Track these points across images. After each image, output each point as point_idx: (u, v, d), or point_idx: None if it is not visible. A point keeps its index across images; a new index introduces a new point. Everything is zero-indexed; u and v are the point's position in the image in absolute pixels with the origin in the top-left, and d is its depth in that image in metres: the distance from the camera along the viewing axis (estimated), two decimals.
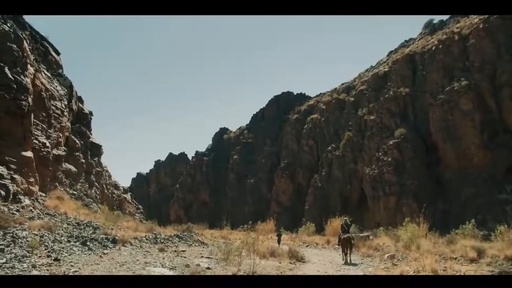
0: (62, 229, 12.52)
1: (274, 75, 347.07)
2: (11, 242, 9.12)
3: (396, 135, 37.30)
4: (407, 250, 15.46)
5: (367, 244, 18.82)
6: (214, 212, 61.87)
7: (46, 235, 10.55)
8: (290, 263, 13.11)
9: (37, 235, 10.31)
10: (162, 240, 14.70)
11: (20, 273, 7.01)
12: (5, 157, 14.21)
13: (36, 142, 16.70)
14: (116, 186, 31.79)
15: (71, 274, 7.34)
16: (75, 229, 13.14)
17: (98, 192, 25.86)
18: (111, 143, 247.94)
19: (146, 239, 14.10)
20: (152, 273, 8.21)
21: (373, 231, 24.87)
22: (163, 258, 10.72)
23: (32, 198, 15.18)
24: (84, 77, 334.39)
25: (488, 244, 14.42)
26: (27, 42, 17.97)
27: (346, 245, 14.60)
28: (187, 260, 10.93)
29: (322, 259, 15.55)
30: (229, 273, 9.25)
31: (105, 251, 10.48)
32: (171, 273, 8.59)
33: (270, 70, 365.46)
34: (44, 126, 18.21)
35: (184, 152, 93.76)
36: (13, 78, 14.98)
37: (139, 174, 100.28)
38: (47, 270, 7.45)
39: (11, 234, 9.71)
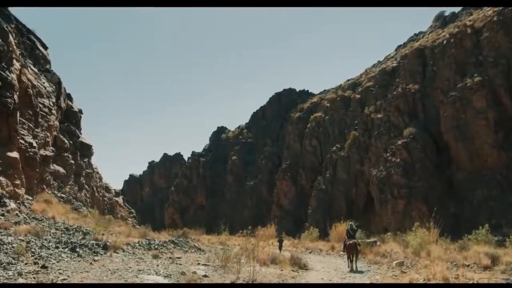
0: (50, 235, 12.53)
1: (275, 71, 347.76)
2: None
3: (405, 134, 37.31)
4: (416, 256, 15.48)
5: (374, 250, 18.83)
6: (211, 216, 61.91)
7: (33, 241, 10.55)
8: (292, 270, 13.11)
9: (23, 240, 10.31)
10: (156, 246, 14.70)
11: (5, 281, 7.00)
12: None
13: (22, 142, 16.71)
14: (107, 189, 31.82)
15: (59, 282, 7.35)
16: (63, 235, 13.14)
17: (88, 195, 25.88)
18: (102, 143, 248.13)
19: (139, 245, 14.10)
20: (146, 281, 8.22)
21: (381, 236, 24.88)
22: (157, 265, 10.73)
23: (18, 201, 15.18)
24: (74, 73, 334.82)
25: (502, 251, 14.44)
26: (12, 35, 17.97)
27: (352, 251, 14.60)
28: (182, 267, 10.94)
29: (326, 266, 15.55)
30: (228, 281, 9.26)
31: (96, 258, 10.48)
32: (165, 281, 8.60)
33: (271, 66, 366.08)
34: (31, 125, 18.22)
35: (179, 153, 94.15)
36: None
37: (131, 176, 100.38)
38: (34, 278, 7.45)
39: None
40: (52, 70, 24.64)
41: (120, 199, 33.90)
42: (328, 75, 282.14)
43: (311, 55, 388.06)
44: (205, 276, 9.66)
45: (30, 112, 18.33)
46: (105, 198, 30.08)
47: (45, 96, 20.81)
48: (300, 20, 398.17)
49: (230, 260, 11.34)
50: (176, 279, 8.99)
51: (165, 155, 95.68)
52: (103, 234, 14.39)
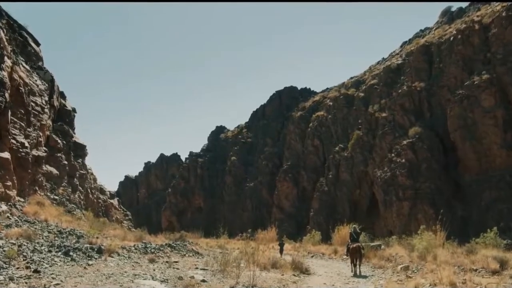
0: (43, 238, 12.54)
1: (276, 68, 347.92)
2: None
3: (410, 134, 37.32)
4: (422, 261, 15.47)
5: (379, 254, 18.83)
6: (209, 219, 61.93)
7: (24, 244, 10.55)
8: (294, 275, 13.12)
9: (14, 244, 10.32)
10: (152, 250, 14.71)
11: None
12: None
13: (14, 142, 16.72)
14: (102, 191, 31.82)
15: (52, 287, 7.34)
16: (56, 238, 13.15)
17: (82, 197, 25.87)
18: (96, 143, 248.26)
19: (135, 249, 14.11)
20: (142, 286, 8.22)
21: (385, 239, 24.87)
22: (154, 270, 10.73)
23: (9, 203, 15.19)
24: (67, 71, 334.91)
25: (511, 254, 14.42)
26: (3, 31, 17.99)
27: (355, 255, 14.62)
28: (180, 271, 10.95)
29: (329, 271, 15.56)
30: (227, 286, 9.27)
31: (90, 262, 10.49)
32: (162, 286, 8.60)
33: (271, 63, 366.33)
34: (23, 124, 18.22)
35: (176, 153, 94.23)
36: None
37: (127, 177, 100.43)
38: (26, 283, 7.45)
39: None
40: (44, 68, 24.64)
41: (115, 201, 33.90)
42: (330, 72, 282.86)
43: (313, 52, 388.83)
44: (203, 281, 9.66)
45: (22, 111, 18.33)
46: (100, 200, 30.09)
47: (37, 94, 20.82)
48: (301, 16, 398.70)
49: (229, 264, 11.35)
50: (173, 284, 9.00)
51: (161, 155, 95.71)
52: (97, 238, 14.40)
